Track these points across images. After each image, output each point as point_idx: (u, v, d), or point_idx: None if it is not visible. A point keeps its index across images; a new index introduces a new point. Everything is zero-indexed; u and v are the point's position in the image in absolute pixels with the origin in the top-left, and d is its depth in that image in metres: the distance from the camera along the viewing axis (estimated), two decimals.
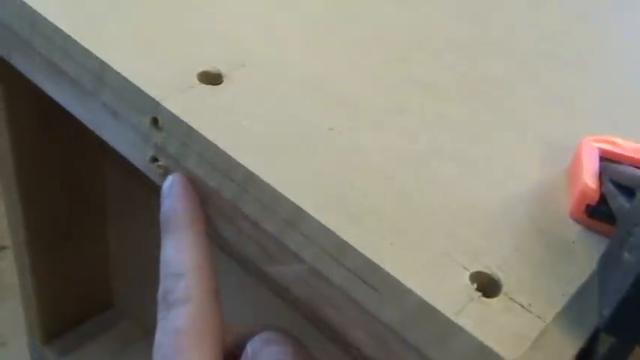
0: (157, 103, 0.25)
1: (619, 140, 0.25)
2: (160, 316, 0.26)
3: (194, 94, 0.26)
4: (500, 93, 0.31)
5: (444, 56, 0.32)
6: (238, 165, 0.24)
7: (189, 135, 0.25)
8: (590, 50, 0.37)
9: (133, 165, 0.51)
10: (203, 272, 0.26)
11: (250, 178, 0.23)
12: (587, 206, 0.23)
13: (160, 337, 0.25)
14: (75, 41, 0.27)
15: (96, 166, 0.59)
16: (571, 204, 0.23)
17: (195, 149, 0.25)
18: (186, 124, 0.25)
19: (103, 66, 0.27)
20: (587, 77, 0.34)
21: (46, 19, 0.28)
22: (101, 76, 0.27)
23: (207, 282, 0.25)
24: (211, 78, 0.27)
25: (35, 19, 0.28)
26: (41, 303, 0.79)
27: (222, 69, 0.28)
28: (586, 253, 0.23)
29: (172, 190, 0.26)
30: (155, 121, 0.26)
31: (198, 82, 0.27)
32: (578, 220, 0.23)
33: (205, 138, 0.24)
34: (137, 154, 0.28)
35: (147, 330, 0.85)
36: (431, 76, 0.30)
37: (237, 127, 0.25)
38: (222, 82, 0.27)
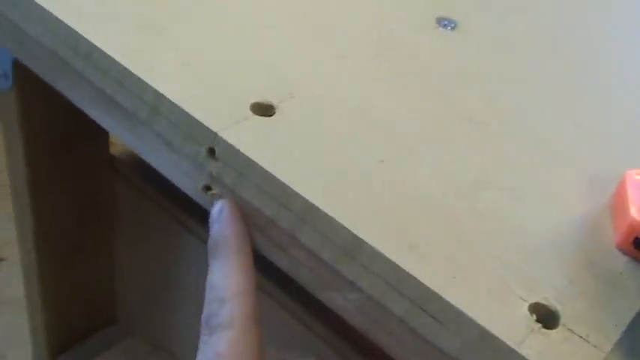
0: (215, 134, 0.26)
1: None
2: (202, 339, 0.27)
3: (249, 125, 0.27)
4: (540, 124, 0.32)
5: (482, 87, 0.33)
6: (297, 196, 0.24)
7: (247, 166, 0.26)
8: (625, 80, 0.38)
9: (143, 183, 0.51)
10: (247, 298, 0.26)
11: (309, 209, 0.24)
12: (635, 239, 0.24)
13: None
14: (130, 72, 0.28)
15: (107, 182, 0.60)
16: (618, 236, 0.24)
17: (253, 180, 0.26)
18: (244, 155, 0.25)
19: (158, 97, 0.28)
20: (622, 108, 0.35)
21: (101, 51, 0.29)
22: (156, 107, 0.28)
23: (250, 307, 0.26)
24: (263, 109, 0.28)
25: (90, 50, 0.29)
26: (47, 316, 0.79)
27: (272, 100, 0.28)
28: (635, 284, 0.23)
29: (222, 215, 0.27)
30: (212, 152, 0.27)
31: (251, 113, 0.28)
32: (625, 252, 0.24)
33: (264, 169, 0.25)
34: (189, 183, 0.28)
35: (152, 346, 0.85)
36: (472, 108, 0.31)
37: (292, 158, 0.26)
38: (274, 113, 0.28)
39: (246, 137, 0.26)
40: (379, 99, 0.30)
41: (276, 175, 0.25)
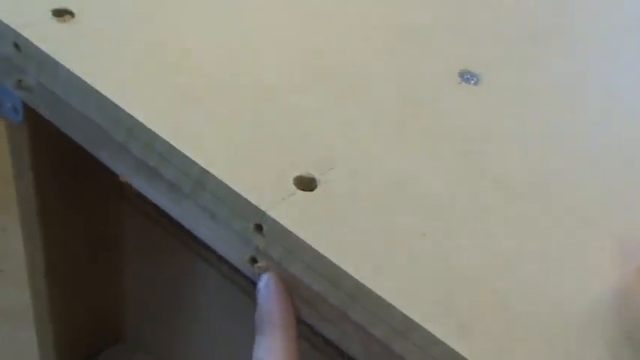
0: (263, 213, 0.27)
1: None
2: None
3: (295, 201, 0.28)
4: (568, 188, 0.33)
5: (509, 149, 0.34)
6: (347, 275, 0.25)
7: (295, 244, 0.26)
8: None
9: (151, 209, 0.52)
10: None
11: (359, 288, 0.25)
12: None
13: None
14: (174, 148, 0.29)
15: (117, 209, 0.60)
16: None
17: (300, 257, 0.27)
18: (292, 233, 0.26)
19: (204, 172, 0.28)
20: None
21: (143, 126, 0.29)
22: (201, 181, 0.29)
23: None
24: (306, 183, 0.29)
25: (132, 124, 0.30)
26: (56, 336, 0.79)
27: (314, 173, 0.29)
28: None
29: (268, 290, 0.28)
30: (259, 228, 0.27)
31: (295, 188, 0.28)
32: None
33: (312, 248, 0.26)
34: (234, 253, 0.29)
35: None
36: (502, 172, 0.32)
37: (340, 235, 0.27)
38: (316, 187, 0.29)
39: (293, 215, 0.27)
40: (415, 168, 0.31)
41: (325, 255, 0.26)
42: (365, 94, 0.36)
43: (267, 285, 0.28)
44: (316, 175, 0.29)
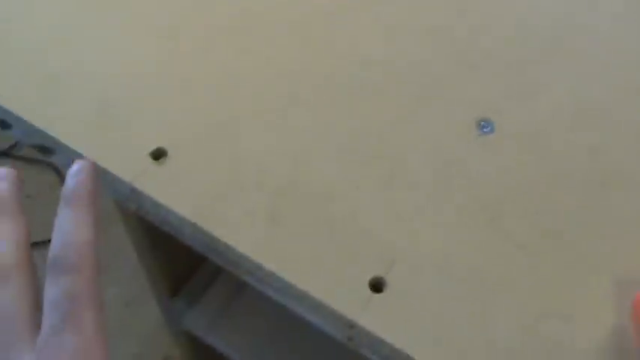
0: (351, 322, 0.38)
1: None
2: (49, 280, 0.30)
3: (375, 305, 0.38)
4: (581, 238, 0.41)
5: (525, 204, 0.42)
6: None
7: (379, 343, 0.37)
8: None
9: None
10: (93, 247, 0.31)
11: None
12: None
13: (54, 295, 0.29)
14: (274, 274, 0.39)
15: None
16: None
17: (384, 351, 0.38)
18: (378, 337, 0.37)
19: (302, 294, 0.39)
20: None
21: (249, 259, 0.39)
22: (300, 299, 0.39)
23: (96, 257, 0.31)
24: (378, 286, 0.39)
25: (225, 249, 0.40)
26: (160, 267, 0.96)
27: (382, 274, 0.39)
28: None
29: (80, 174, 0.32)
30: (351, 326, 0.38)
31: (371, 292, 0.39)
32: None
33: (394, 347, 0.37)
34: (336, 334, 0.40)
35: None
36: (521, 232, 0.41)
37: (414, 332, 0.37)
38: (385, 287, 0.39)
39: (375, 319, 0.38)
40: (455, 243, 0.41)
41: (406, 351, 0.37)
42: (398, 159, 0.44)
43: (80, 170, 0.32)
44: (383, 274, 0.39)
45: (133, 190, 0.42)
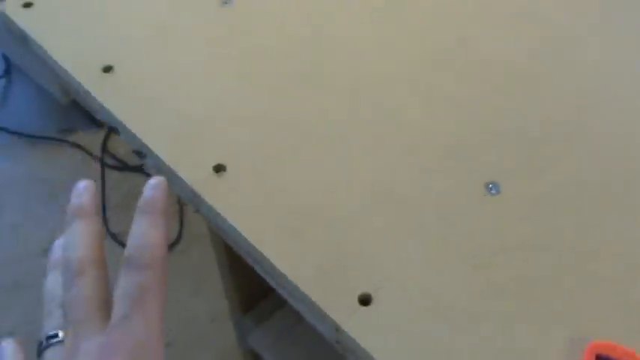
0: (338, 326, 0.46)
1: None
2: (126, 272, 0.35)
3: (359, 317, 0.46)
4: (549, 288, 0.47)
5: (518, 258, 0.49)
6: None
7: (363, 354, 0.45)
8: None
9: None
10: (164, 248, 0.36)
11: None
12: None
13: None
14: (286, 277, 0.48)
15: None
16: None
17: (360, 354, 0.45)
18: (360, 346, 0.45)
19: (303, 296, 0.47)
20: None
21: (269, 261, 0.49)
22: (301, 300, 0.48)
23: (165, 257, 0.36)
24: (366, 300, 0.47)
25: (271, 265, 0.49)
26: (236, 286, 1.07)
27: (369, 290, 0.47)
28: None
29: (158, 186, 0.38)
30: (338, 330, 0.46)
31: (358, 304, 0.47)
32: None
33: (367, 352, 0.44)
34: (326, 333, 0.48)
35: None
36: (501, 281, 0.48)
37: (395, 347, 0.45)
38: (372, 302, 0.47)
39: (359, 328, 0.45)
40: (446, 281, 0.48)
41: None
42: (410, 216, 0.52)
43: (158, 184, 0.38)
44: (372, 292, 0.47)
45: (194, 194, 0.53)
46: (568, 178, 0.54)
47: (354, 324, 0.46)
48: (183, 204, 1.70)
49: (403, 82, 0.61)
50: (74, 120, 1.86)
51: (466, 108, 0.58)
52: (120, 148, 1.81)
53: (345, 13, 0.67)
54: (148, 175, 1.64)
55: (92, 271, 0.35)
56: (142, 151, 0.57)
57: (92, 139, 1.81)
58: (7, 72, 1.98)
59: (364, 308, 0.47)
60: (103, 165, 1.73)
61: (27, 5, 0.66)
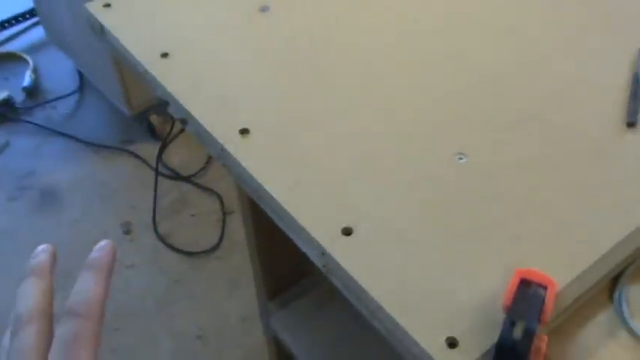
0: (324, 249, 0.58)
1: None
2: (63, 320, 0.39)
3: (341, 243, 0.58)
4: (493, 233, 0.59)
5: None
6: (372, 300, 0.55)
7: (343, 274, 0.57)
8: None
9: None
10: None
11: (379, 308, 0.55)
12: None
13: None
14: (280, 204, 0.61)
15: None
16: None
17: (347, 283, 0.57)
18: (341, 267, 0.57)
19: (294, 222, 0.60)
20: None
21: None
22: (291, 226, 0.60)
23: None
24: (348, 231, 0.59)
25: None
26: (264, 271, 1.19)
27: (351, 224, 0.59)
28: None
29: (103, 250, 0.43)
30: (323, 254, 0.58)
31: (341, 234, 0.59)
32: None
33: (349, 275, 0.56)
34: (314, 258, 0.61)
35: (335, 293, 1.21)
36: (459, 225, 0.59)
37: (375, 270, 0.57)
38: (353, 234, 0.59)
39: (342, 255, 0.57)
40: (413, 226, 0.59)
41: (360, 284, 0.56)
42: (391, 173, 0.64)
43: (104, 246, 0.44)
44: (353, 225, 0.59)
45: (223, 149, 0.67)
46: (522, 155, 0.65)
47: (337, 249, 0.58)
48: (226, 213, 1.85)
49: (410, 75, 0.74)
50: (135, 132, 2.05)
51: (447, 96, 0.71)
52: (173, 159, 1.99)
53: (361, 20, 0.81)
54: (197, 185, 1.83)
55: (37, 324, 0.39)
56: (185, 119, 0.72)
57: (150, 150, 2.00)
58: (81, 87, 2.20)
59: (346, 237, 0.59)
60: (157, 173, 1.90)
61: (106, 5, 0.83)
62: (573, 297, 0.54)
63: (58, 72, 2.28)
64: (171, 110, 0.74)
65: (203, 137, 0.70)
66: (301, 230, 0.60)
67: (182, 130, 2.01)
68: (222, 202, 1.88)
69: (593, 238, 0.57)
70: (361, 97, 0.71)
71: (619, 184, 0.62)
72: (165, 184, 1.92)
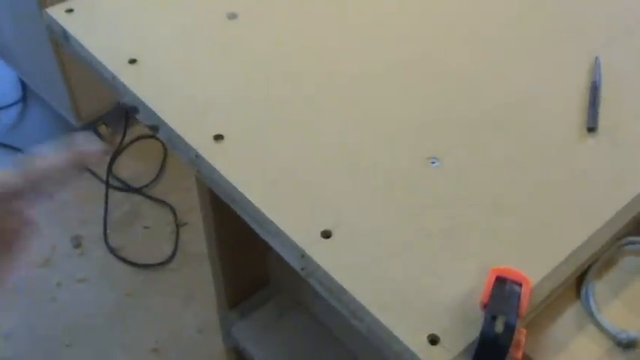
0: (304, 251, 0.59)
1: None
2: None
3: (321, 246, 0.59)
4: (467, 233, 0.61)
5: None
6: (354, 300, 0.56)
7: (323, 275, 0.58)
8: None
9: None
10: None
11: (361, 308, 0.56)
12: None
13: None
14: (260, 211, 0.61)
15: None
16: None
17: (317, 274, 0.58)
18: (321, 268, 0.58)
19: (275, 227, 0.60)
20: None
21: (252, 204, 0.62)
22: (270, 230, 0.61)
23: None
24: (327, 234, 0.60)
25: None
26: (225, 280, 1.19)
27: (330, 227, 0.60)
28: None
29: None
30: (303, 256, 0.59)
31: (321, 237, 0.60)
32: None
33: (327, 274, 0.57)
34: (294, 262, 0.61)
35: (296, 301, 1.22)
36: (430, 225, 0.61)
37: (354, 271, 0.58)
38: (332, 236, 0.60)
39: (322, 257, 0.58)
40: (390, 227, 0.61)
41: (342, 284, 0.57)
42: (367, 177, 0.65)
43: None
44: (331, 228, 0.60)
45: (197, 155, 0.67)
46: (491, 157, 0.68)
47: (317, 251, 0.59)
48: (179, 225, 1.83)
49: (382, 80, 0.76)
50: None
51: (422, 102, 0.73)
52: (123, 171, 1.95)
53: (328, 26, 0.82)
54: (148, 197, 1.79)
55: None
56: (156, 125, 0.71)
57: (99, 162, 1.95)
58: (24, 97, 2.14)
59: (325, 240, 0.60)
60: (108, 185, 1.86)
61: (69, 10, 0.81)
62: (546, 293, 0.57)
63: None
64: (140, 117, 0.74)
65: (175, 144, 0.70)
66: (280, 233, 0.61)
67: (132, 142, 1.98)
68: (174, 214, 1.85)
69: (561, 235, 0.60)
70: (332, 102, 0.73)
71: (583, 185, 0.65)
72: (116, 196, 1.88)
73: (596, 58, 0.77)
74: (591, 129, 0.69)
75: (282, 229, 0.60)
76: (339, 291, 0.57)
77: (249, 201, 0.63)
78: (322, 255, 0.59)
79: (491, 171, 0.66)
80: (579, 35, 0.83)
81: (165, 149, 1.99)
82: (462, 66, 0.78)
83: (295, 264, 0.61)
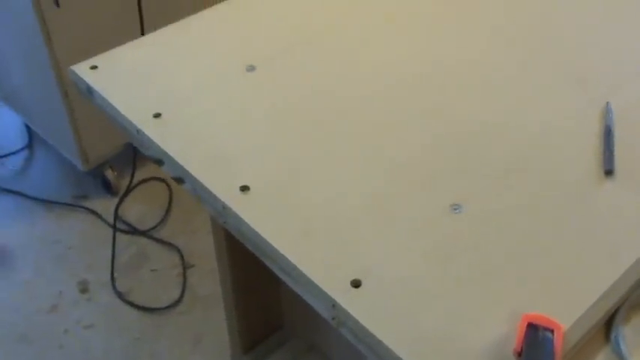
0: (334, 301, 0.59)
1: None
2: None
3: (351, 296, 0.60)
4: (493, 280, 0.62)
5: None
6: (388, 349, 0.57)
7: (354, 324, 0.59)
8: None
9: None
10: None
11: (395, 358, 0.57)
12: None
13: None
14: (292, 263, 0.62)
15: None
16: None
17: (358, 334, 0.59)
18: (352, 317, 0.58)
19: (306, 278, 0.61)
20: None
21: (281, 254, 0.63)
22: (303, 285, 0.62)
23: None
24: (357, 283, 0.61)
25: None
26: (240, 328, 1.19)
27: (360, 276, 0.61)
28: None
29: None
30: (334, 306, 0.60)
31: (351, 287, 0.61)
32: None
33: (360, 324, 0.58)
34: (324, 312, 0.62)
35: (310, 345, 1.22)
36: (458, 271, 0.62)
37: (384, 322, 0.59)
38: (361, 286, 0.61)
39: (353, 306, 0.59)
40: (418, 275, 0.62)
41: (374, 333, 0.57)
42: (392, 225, 0.66)
43: None
44: (361, 278, 0.61)
45: (224, 206, 0.68)
46: (512, 203, 0.69)
47: (348, 301, 0.60)
48: (187, 267, 1.83)
49: (401, 129, 0.77)
50: (89, 188, 2.01)
51: (441, 149, 0.75)
52: (130, 214, 1.96)
53: (344, 75, 0.84)
54: (155, 240, 1.81)
55: None
56: (181, 177, 0.73)
57: (104, 205, 1.96)
58: (30, 143, 2.15)
59: (356, 289, 0.61)
60: (115, 229, 1.86)
61: (93, 67, 0.83)
62: (577, 338, 0.58)
63: (5, 128, 2.22)
64: (165, 169, 0.75)
65: (202, 195, 0.71)
66: (310, 284, 0.62)
67: (138, 184, 1.99)
68: (182, 256, 1.85)
69: (588, 280, 0.61)
70: (354, 150, 0.74)
71: (606, 228, 0.66)
72: (122, 239, 1.88)
73: (607, 103, 0.79)
74: (609, 172, 0.71)
75: (312, 279, 0.61)
76: (372, 341, 0.58)
77: (278, 252, 0.64)
78: (353, 304, 0.59)
79: (513, 216, 0.68)
80: (588, 82, 0.85)
81: (170, 192, 2.00)
82: (475, 114, 0.80)
83: (326, 314, 0.62)
